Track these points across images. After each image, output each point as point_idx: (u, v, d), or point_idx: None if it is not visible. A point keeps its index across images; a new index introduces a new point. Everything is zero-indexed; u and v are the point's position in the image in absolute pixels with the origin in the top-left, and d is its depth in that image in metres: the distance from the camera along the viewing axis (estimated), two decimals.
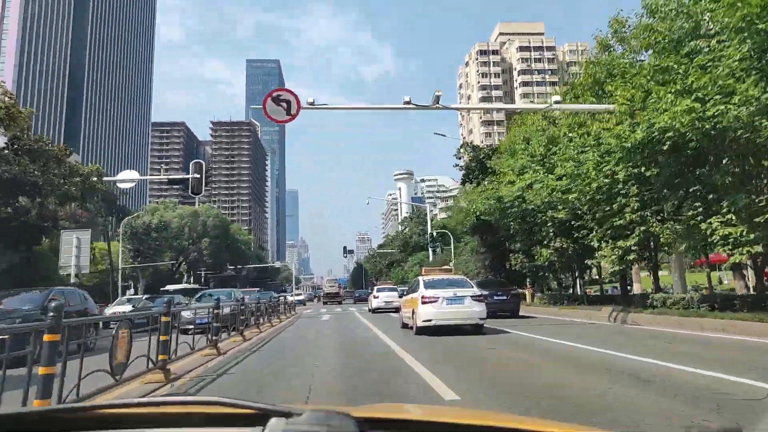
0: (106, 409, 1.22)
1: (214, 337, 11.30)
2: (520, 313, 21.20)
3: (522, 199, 20.82)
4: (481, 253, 31.62)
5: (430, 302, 13.53)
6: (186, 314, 14.46)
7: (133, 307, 24.61)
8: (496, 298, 20.12)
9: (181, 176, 25.57)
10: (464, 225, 49.38)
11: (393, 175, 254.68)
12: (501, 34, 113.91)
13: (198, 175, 22.60)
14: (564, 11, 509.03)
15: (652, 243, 16.15)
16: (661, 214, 15.35)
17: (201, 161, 23.71)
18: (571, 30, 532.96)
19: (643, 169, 14.39)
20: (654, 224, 14.75)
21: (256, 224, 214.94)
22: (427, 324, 13.40)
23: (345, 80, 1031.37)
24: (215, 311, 11.75)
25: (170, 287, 37.87)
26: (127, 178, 26.26)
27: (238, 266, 71.16)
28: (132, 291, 55.25)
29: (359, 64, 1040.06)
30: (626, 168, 14.68)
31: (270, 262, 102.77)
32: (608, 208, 16.06)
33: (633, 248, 15.63)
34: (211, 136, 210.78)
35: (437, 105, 14.48)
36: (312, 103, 14.41)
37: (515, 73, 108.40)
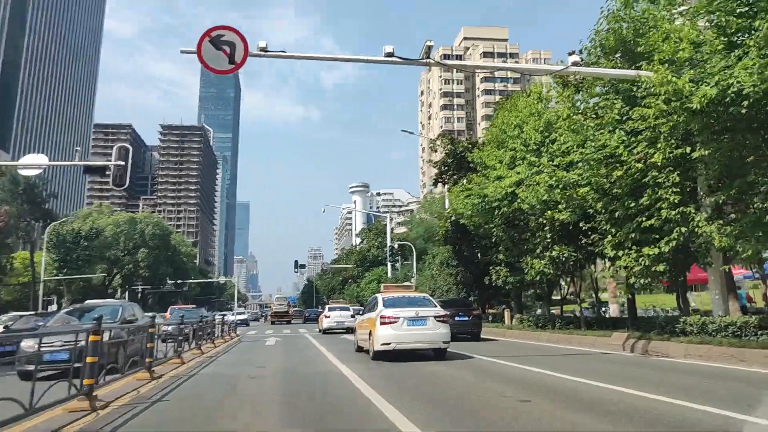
0: None
1: (85, 384, 6.90)
2: (490, 337, 19.80)
3: (513, 197, 17.35)
4: (453, 266, 28.04)
5: (390, 323, 12.20)
6: (27, 345, 9.68)
7: (3, 328, 19.26)
8: (457, 319, 18.95)
9: (100, 163, 20.85)
10: (425, 238, 46.36)
11: (348, 187, 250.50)
12: (465, 38, 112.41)
13: (122, 163, 18.37)
14: (527, 20, 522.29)
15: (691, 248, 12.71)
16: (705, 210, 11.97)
17: (127, 146, 19.55)
18: (533, 39, 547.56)
19: (688, 149, 11.04)
20: (701, 223, 11.37)
21: (203, 236, 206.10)
22: (385, 348, 12.13)
23: (305, 86, 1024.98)
24: (90, 338, 7.11)
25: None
26: (32, 163, 21.60)
27: (179, 281, 65.33)
28: (54, 306, 49.02)
29: (320, 70, 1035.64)
30: (666, 148, 11.31)
31: (215, 278, 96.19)
32: (633, 203, 12.64)
33: (665, 256, 12.21)
34: (160, 140, 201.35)
35: (427, 59, 10.83)
36: (264, 49, 10.51)
37: (477, 80, 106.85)
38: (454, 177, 26.17)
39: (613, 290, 31.84)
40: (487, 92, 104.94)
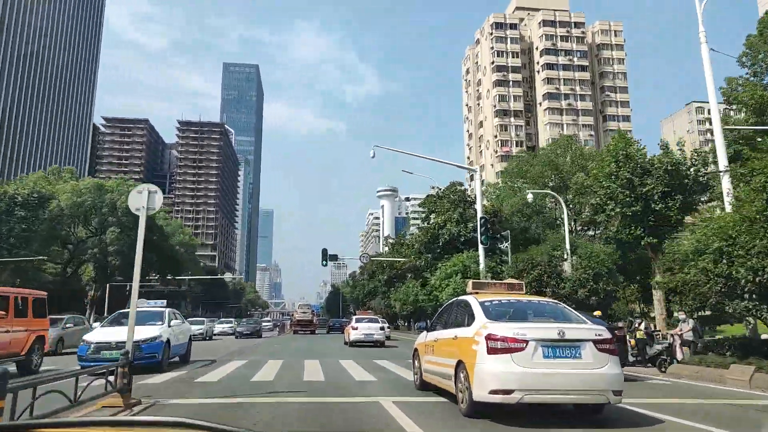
0: (62, 427, 1.15)
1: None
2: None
3: None
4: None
5: (509, 350, 6.62)
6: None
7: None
8: None
9: None
10: (525, 213, 30.69)
11: (376, 192, 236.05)
12: (518, 8, 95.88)
13: None
14: None
15: None
16: None
17: None
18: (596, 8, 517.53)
19: None
20: None
21: (222, 239, 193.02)
22: (502, 398, 6.52)
23: (328, 98, 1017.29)
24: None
25: None
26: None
27: (169, 276, 49.82)
28: None
29: (344, 83, 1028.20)
30: None
31: (231, 278, 79.58)
32: None
33: None
34: (178, 137, 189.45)
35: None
36: None
37: (537, 53, 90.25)
38: None
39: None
40: (549, 67, 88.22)
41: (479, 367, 6.67)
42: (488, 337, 6.71)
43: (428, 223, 33.29)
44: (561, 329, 6.71)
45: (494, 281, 12.83)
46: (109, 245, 40.24)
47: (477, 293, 8.56)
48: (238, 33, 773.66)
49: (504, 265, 25.04)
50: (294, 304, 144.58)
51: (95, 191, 39.82)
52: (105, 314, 44.28)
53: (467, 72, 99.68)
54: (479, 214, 25.20)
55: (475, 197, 26.54)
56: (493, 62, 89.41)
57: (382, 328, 26.48)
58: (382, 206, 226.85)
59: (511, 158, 38.86)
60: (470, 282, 9.50)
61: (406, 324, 63.13)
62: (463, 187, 33.42)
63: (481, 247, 24.59)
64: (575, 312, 8.08)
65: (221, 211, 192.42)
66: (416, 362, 10.24)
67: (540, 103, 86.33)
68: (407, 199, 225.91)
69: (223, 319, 50.30)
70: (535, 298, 9.29)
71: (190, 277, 56.16)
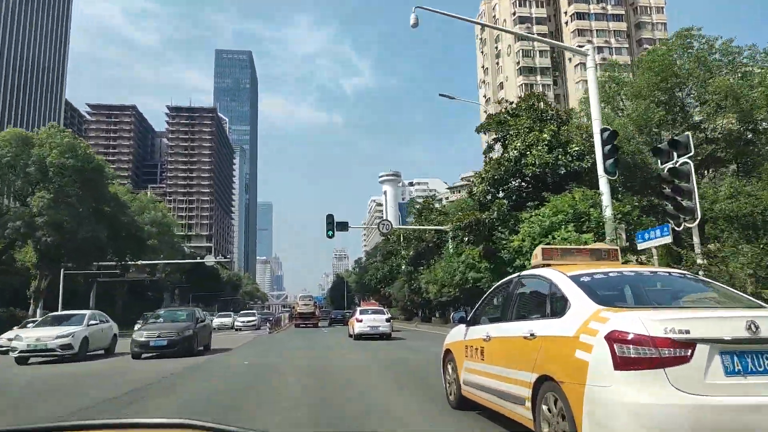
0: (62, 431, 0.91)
1: None
2: None
3: None
4: None
5: (662, 362, 3.48)
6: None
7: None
8: None
9: None
10: (649, 134, 20.14)
11: (378, 177, 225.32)
12: None
13: None
14: None
15: None
16: None
17: None
18: None
19: None
20: None
21: (218, 229, 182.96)
22: None
23: (324, 92, 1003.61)
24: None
25: None
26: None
27: (129, 260, 38.83)
28: None
29: (340, 77, 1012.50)
30: None
31: (214, 262, 67.14)
32: None
33: None
34: (167, 123, 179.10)
35: None
36: None
37: (564, 1, 78.82)
38: None
39: None
40: (579, 16, 77.10)
41: (598, 394, 3.68)
42: (613, 337, 3.69)
43: (501, 153, 21.52)
44: (750, 319, 3.58)
45: (574, 247, 8.09)
46: (37, 216, 29.74)
47: (554, 265, 5.57)
48: (233, 27, 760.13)
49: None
50: (296, 296, 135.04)
51: (18, 144, 29.25)
52: (60, 309, 34.67)
53: (481, 30, 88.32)
54: (598, 124, 14.69)
55: (589, 98, 15.94)
56: (514, 13, 78.11)
57: (388, 320, 25.64)
58: (385, 192, 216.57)
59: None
60: (539, 249, 6.24)
61: (439, 314, 49.26)
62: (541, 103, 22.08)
63: (604, 180, 14.07)
64: (729, 288, 5.00)
65: (216, 200, 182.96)
66: (449, 369, 7.16)
67: (570, 59, 75.12)
68: (411, 184, 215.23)
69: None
70: (647, 269, 5.90)
71: (156, 262, 44.93)
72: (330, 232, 28.01)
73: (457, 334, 7.05)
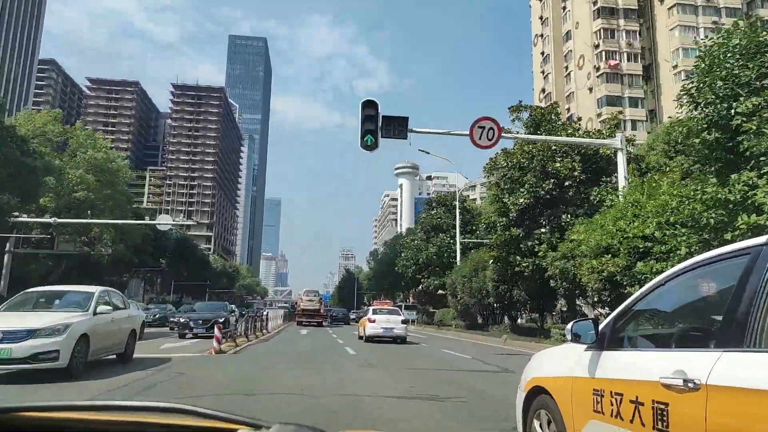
0: (40, 412, 1.02)
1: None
2: None
3: None
4: None
5: None
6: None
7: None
8: None
9: None
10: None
11: (393, 169, 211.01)
12: None
13: None
14: None
15: None
16: None
17: None
18: None
19: None
20: None
21: (220, 217, 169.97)
22: None
23: (337, 92, 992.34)
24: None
25: None
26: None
27: (23, 218, 25.29)
28: None
29: (354, 77, 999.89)
30: None
31: (171, 226, 48.72)
32: None
33: None
34: (172, 102, 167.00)
35: None
36: None
37: None
38: None
39: None
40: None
41: None
42: None
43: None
44: None
45: None
46: None
47: None
48: (250, 26, 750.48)
49: None
50: (300, 294, 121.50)
51: None
52: None
53: (541, 19, 72.67)
54: None
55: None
56: None
57: (404, 322, 23.56)
58: (401, 185, 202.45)
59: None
60: None
61: (529, 317, 35.29)
62: None
63: None
64: None
65: (220, 188, 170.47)
66: (537, 426, 3.76)
67: (662, 0, 60.22)
68: (429, 178, 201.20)
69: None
70: None
71: (69, 221, 30.06)
72: (369, 138, 13.89)
73: (563, 361, 3.67)
